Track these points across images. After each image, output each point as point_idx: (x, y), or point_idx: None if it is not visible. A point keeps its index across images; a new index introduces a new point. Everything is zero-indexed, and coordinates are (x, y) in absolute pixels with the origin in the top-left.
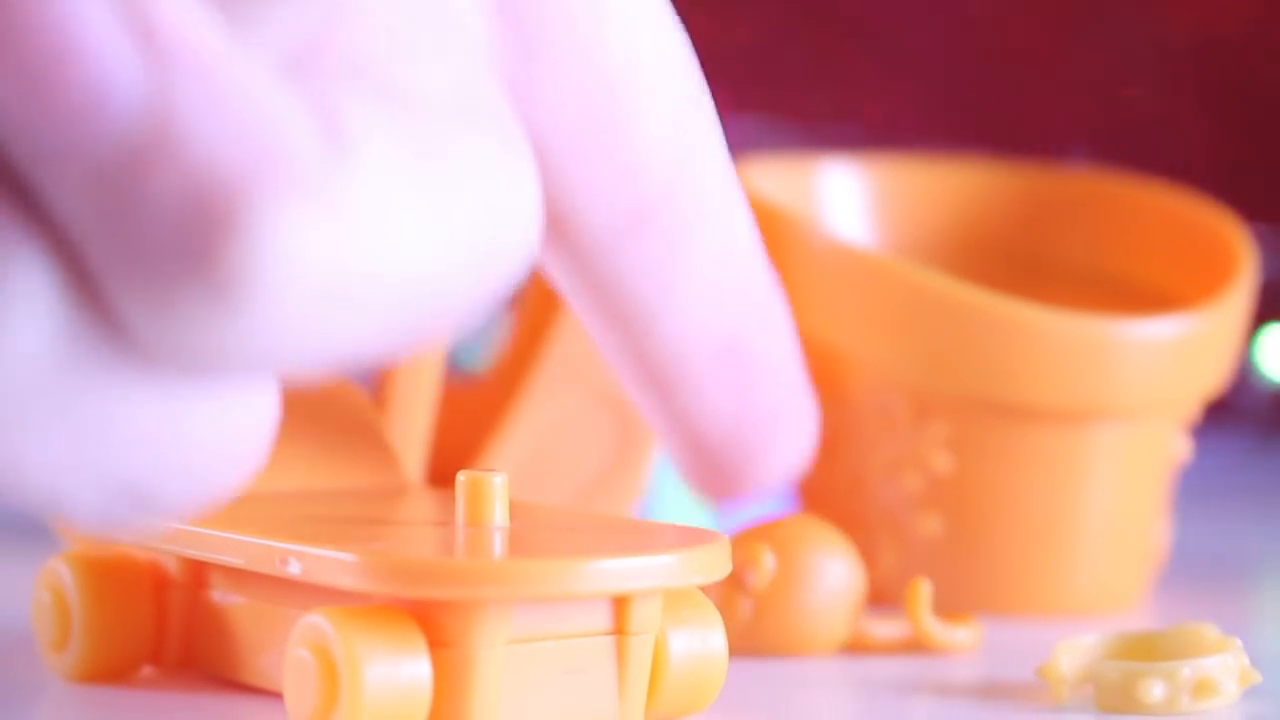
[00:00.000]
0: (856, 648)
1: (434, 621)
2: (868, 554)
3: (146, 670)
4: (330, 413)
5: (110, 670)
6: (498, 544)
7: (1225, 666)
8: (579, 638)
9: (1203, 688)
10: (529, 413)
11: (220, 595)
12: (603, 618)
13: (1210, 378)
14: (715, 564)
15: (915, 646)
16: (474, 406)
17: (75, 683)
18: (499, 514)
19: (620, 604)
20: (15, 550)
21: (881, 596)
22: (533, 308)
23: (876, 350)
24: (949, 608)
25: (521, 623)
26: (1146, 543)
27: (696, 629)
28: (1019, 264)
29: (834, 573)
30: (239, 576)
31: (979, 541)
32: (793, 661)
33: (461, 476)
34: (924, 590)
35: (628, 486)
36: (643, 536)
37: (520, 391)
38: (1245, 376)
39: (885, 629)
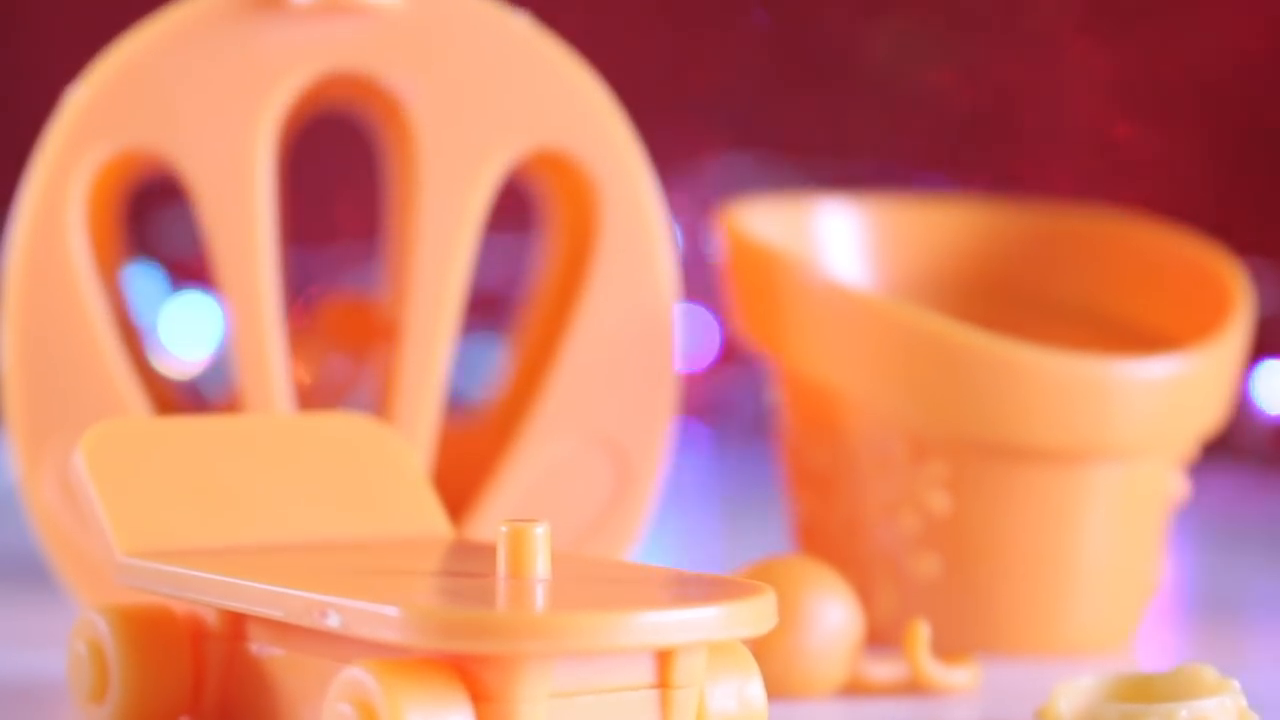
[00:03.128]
0: (855, 689)
1: (475, 675)
2: (865, 595)
3: None
4: (372, 462)
5: None
6: (540, 597)
7: (1223, 708)
8: (622, 691)
9: None
10: (527, 454)
11: (258, 647)
12: (646, 671)
13: (1207, 417)
14: (761, 616)
15: (914, 688)
16: (472, 448)
17: None
18: (541, 566)
19: (664, 657)
20: (46, 600)
21: (880, 637)
22: (530, 349)
23: (874, 391)
24: (947, 648)
25: (564, 677)
26: (1144, 582)
27: (735, 680)
28: (1016, 303)
29: (832, 614)
30: (278, 629)
31: (977, 582)
32: (791, 703)
33: (503, 527)
34: (922, 631)
35: (625, 528)
36: (686, 589)
37: (518, 433)
38: (1242, 412)
39: (883, 670)
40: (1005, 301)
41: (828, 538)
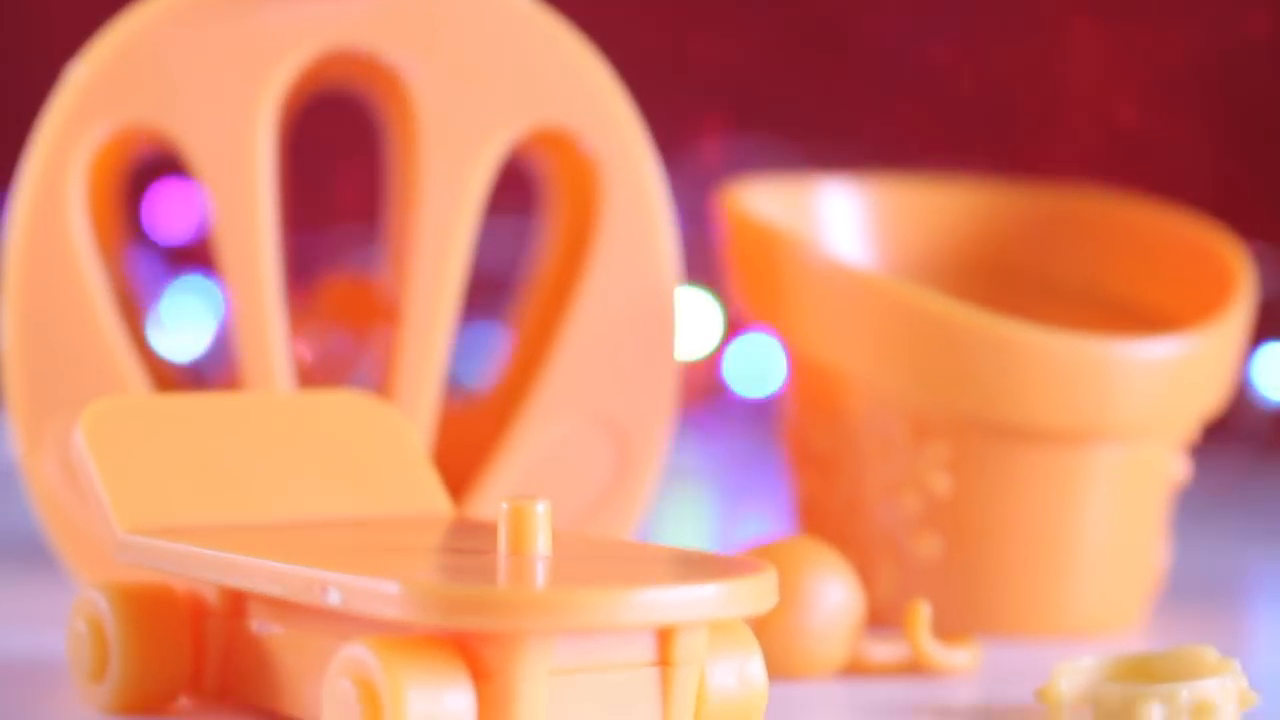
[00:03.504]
0: (855, 670)
1: (476, 652)
2: (866, 575)
3: (184, 701)
4: (373, 440)
5: (148, 701)
6: (540, 574)
7: (1224, 689)
8: (623, 669)
9: (1202, 710)
10: (528, 435)
11: (259, 625)
12: (647, 649)
13: (1208, 398)
14: (762, 595)
15: (914, 668)
16: (473, 428)
17: (112, 714)
18: (541, 543)
19: (665, 635)
20: (46, 579)
21: (880, 618)
22: (531, 329)
23: (875, 371)
24: (948, 629)
25: (565, 654)
26: (1145, 563)
27: (735, 658)
28: (1017, 283)
29: (833, 594)
30: (278, 606)
31: (978, 562)
32: (792, 684)
33: (504, 505)
34: (923, 612)
35: (627, 509)
36: (687, 567)
37: (519, 414)
38: (1243, 395)
39: (884, 651)
40: (1006, 282)
41: (829, 518)
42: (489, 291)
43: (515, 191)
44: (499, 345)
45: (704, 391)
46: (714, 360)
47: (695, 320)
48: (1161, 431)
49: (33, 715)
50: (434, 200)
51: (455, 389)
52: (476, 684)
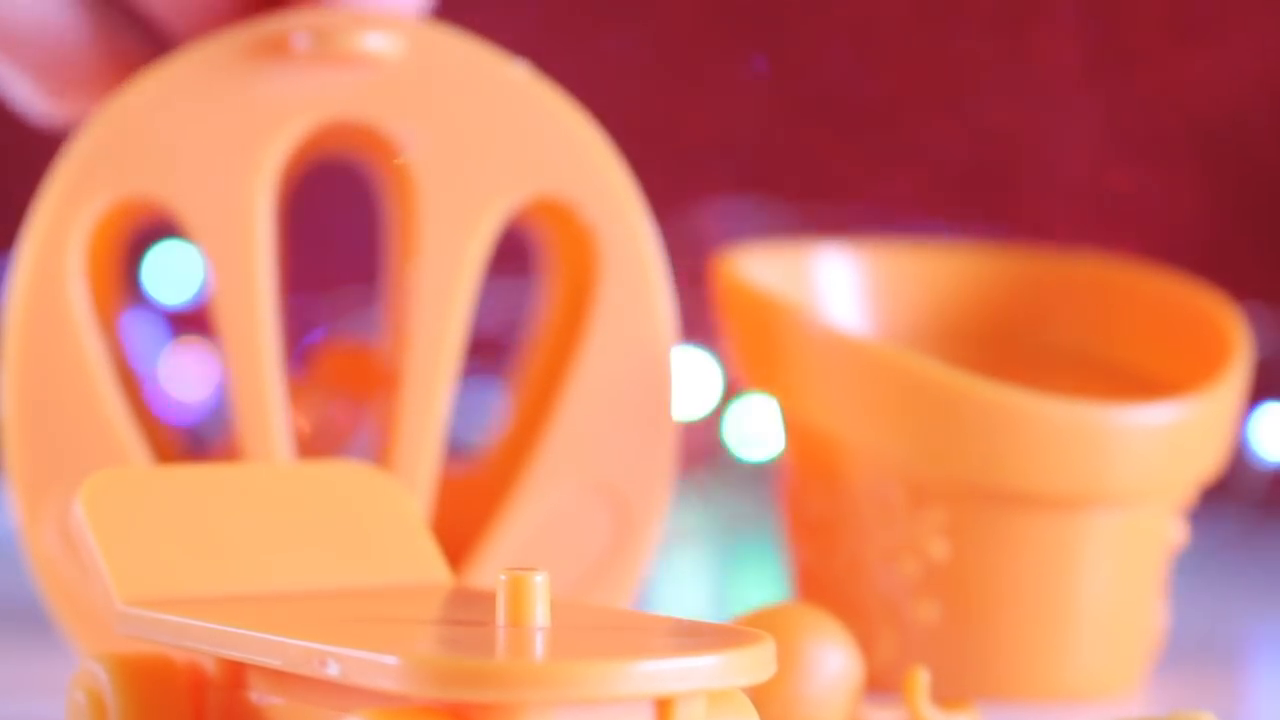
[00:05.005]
0: None
1: None
2: (865, 641)
3: None
4: (372, 510)
5: None
6: (539, 645)
7: None
8: None
9: None
10: (526, 502)
11: (258, 696)
12: (645, 719)
13: (1206, 463)
14: (760, 664)
15: None
16: (472, 494)
17: None
18: (540, 614)
19: (664, 705)
20: (47, 648)
21: (879, 684)
22: (529, 395)
23: (873, 437)
24: (947, 695)
25: None
26: (1143, 628)
27: None
28: (1014, 349)
29: (831, 661)
30: (277, 677)
31: (977, 628)
32: None
33: (502, 576)
34: (922, 678)
35: (625, 575)
36: (686, 637)
37: (518, 480)
38: (1241, 457)
39: (884, 717)
40: (1004, 348)
41: (827, 584)
42: (488, 353)
43: (513, 253)
44: (498, 408)
45: (703, 454)
46: (713, 422)
47: (694, 382)
48: (1159, 496)
49: None
50: (432, 272)
51: (454, 452)
52: None
